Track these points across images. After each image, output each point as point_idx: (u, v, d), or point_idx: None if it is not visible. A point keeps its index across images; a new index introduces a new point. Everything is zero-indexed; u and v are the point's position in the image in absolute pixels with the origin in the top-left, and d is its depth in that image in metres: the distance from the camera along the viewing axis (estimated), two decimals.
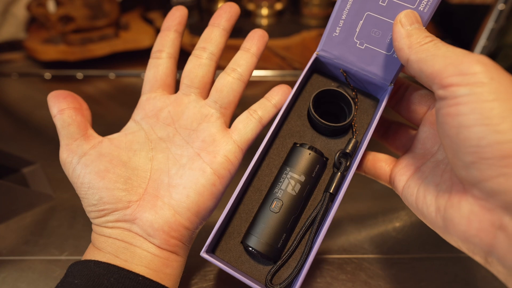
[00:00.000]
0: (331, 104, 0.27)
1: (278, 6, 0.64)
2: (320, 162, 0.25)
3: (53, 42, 0.57)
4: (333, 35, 0.25)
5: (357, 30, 0.24)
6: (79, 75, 0.57)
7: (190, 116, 0.27)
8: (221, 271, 0.34)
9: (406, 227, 0.38)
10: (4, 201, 0.36)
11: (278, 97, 0.27)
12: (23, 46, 0.58)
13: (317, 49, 0.26)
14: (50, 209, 0.39)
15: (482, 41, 0.53)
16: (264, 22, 0.65)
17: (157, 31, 0.60)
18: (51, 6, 0.55)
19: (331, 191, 0.24)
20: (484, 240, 0.17)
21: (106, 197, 0.24)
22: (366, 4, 0.23)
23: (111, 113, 0.50)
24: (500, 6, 0.49)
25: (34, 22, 0.61)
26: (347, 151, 0.25)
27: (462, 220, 0.18)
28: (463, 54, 0.18)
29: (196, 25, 0.62)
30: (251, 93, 0.54)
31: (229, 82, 0.27)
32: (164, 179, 0.25)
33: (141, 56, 0.58)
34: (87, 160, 0.24)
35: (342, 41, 0.25)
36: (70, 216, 0.38)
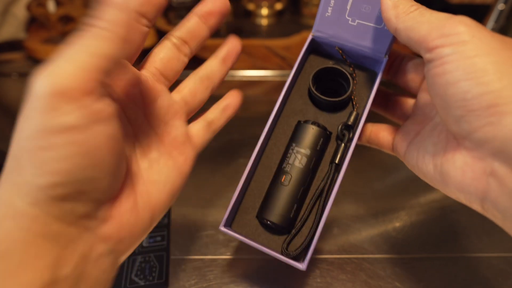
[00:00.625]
0: (330, 82, 0.28)
1: (278, 6, 0.64)
2: (323, 135, 0.26)
3: (53, 42, 0.57)
4: (326, 15, 0.26)
5: (348, 7, 0.26)
6: None
7: (164, 106, 0.24)
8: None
9: (406, 227, 0.38)
10: None
11: (227, 101, 0.28)
12: (23, 46, 0.58)
13: (312, 30, 0.27)
14: None
15: None
16: (264, 22, 0.65)
17: (157, 31, 0.59)
18: (51, 6, 0.55)
19: (336, 162, 0.26)
20: (478, 188, 0.18)
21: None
22: None
23: None
24: (500, 6, 0.49)
25: (34, 22, 0.61)
26: (349, 123, 0.26)
27: (457, 172, 0.19)
28: (445, 18, 0.19)
29: None
30: (251, 93, 0.54)
31: (202, 92, 0.26)
32: (134, 169, 0.22)
33: (141, 56, 0.58)
34: None
35: (335, 20, 0.26)
36: None
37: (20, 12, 0.60)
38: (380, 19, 0.25)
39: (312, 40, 0.27)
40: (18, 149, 0.17)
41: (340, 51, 0.27)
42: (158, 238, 0.35)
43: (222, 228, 0.24)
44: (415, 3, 0.22)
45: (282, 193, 0.25)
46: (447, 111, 0.19)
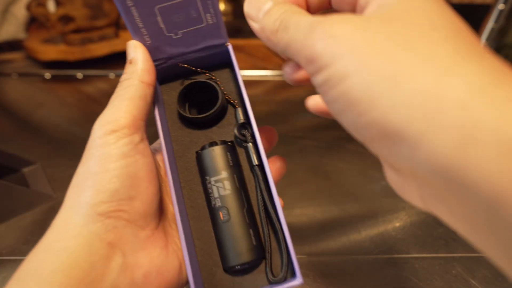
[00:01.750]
0: (198, 98, 0.27)
1: None
2: (228, 149, 0.24)
3: (53, 42, 0.57)
4: (148, 44, 0.24)
5: (162, 26, 0.24)
6: (79, 75, 0.57)
7: None
8: None
9: (406, 227, 0.38)
10: (4, 201, 0.36)
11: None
12: (23, 46, 0.58)
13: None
14: (50, 209, 0.39)
15: (482, 41, 0.53)
16: None
17: None
18: (51, 6, 0.55)
19: (256, 163, 0.24)
20: (418, 202, 0.16)
21: None
22: (147, 2, 0.22)
23: None
24: (500, 6, 0.49)
25: (34, 22, 0.61)
26: (241, 121, 0.25)
27: (397, 186, 0.17)
28: (306, 32, 0.16)
29: None
30: (251, 93, 0.54)
31: None
32: (168, 215, 0.24)
33: None
34: None
35: (160, 43, 0.24)
36: None
37: (20, 12, 0.60)
38: (197, 17, 0.23)
39: (156, 71, 0.25)
40: (80, 177, 0.21)
41: (186, 65, 0.26)
42: None
43: None
44: (278, 13, 0.18)
45: (230, 230, 0.23)
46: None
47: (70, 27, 0.54)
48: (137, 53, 0.23)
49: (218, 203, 0.23)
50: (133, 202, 0.20)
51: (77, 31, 0.55)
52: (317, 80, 0.15)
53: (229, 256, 0.22)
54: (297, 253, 0.31)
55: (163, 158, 0.23)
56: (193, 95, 0.27)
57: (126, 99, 0.21)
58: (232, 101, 0.26)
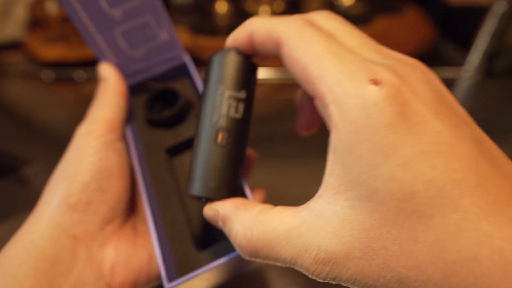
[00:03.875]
0: (163, 102, 0.28)
1: (278, 7, 0.64)
2: (254, 69, 0.20)
3: (53, 42, 0.57)
4: (115, 62, 0.27)
5: (123, 46, 0.27)
6: (79, 75, 0.57)
7: None
8: None
9: None
10: (4, 201, 0.36)
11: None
12: (23, 46, 0.58)
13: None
14: None
15: (481, 42, 0.53)
16: None
17: None
18: (51, 7, 0.55)
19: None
20: None
21: None
22: (107, 25, 0.25)
23: None
24: (500, 8, 0.49)
25: (34, 22, 0.61)
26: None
27: None
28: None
29: (196, 25, 0.62)
30: None
31: None
32: (138, 210, 0.27)
33: None
34: None
35: (125, 61, 0.27)
36: None
37: (20, 12, 0.60)
38: (154, 35, 0.27)
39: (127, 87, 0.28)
40: (57, 172, 0.22)
41: (152, 84, 0.28)
42: None
43: (169, 285, 0.20)
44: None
45: (223, 157, 0.18)
46: None
47: (70, 27, 0.54)
48: (107, 72, 0.26)
49: (222, 122, 0.18)
50: (103, 194, 0.22)
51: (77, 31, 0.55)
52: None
53: (207, 183, 0.18)
54: None
55: (131, 155, 0.25)
56: (158, 102, 0.28)
57: (103, 106, 0.24)
58: (192, 101, 0.28)
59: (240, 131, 0.19)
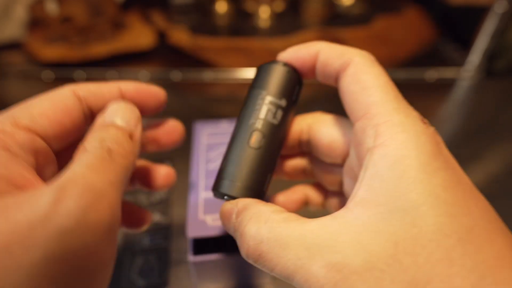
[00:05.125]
0: None
1: (278, 6, 0.64)
2: (298, 83, 0.20)
3: (53, 42, 0.57)
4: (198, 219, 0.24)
5: (203, 214, 0.24)
6: (79, 75, 0.57)
7: None
8: None
9: None
10: None
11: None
12: (23, 47, 0.58)
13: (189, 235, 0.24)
14: None
15: (481, 42, 0.53)
16: (264, 22, 0.65)
17: (158, 31, 0.59)
18: (51, 7, 0.55)
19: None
20: None
21: None
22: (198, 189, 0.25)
23: None
24: (500, 7, 0.49)
25: (34, 22, 0.61)
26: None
27: None
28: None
29: (196, 25, 0.62)
30: None
31: None
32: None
33: (141, 56, 0.58)
34: None
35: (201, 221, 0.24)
36: None
37: (20, 12, 0.60)
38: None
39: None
40: None
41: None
42: (159, 239, 0.35)
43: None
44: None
45: (251, 159, 0.18)
46: None
47: (70, 27, 0.54)
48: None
49: (258, 124, 0.19)
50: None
51: (77, 31, 0.55)
52: None
53: (235, 182, 0.18)
54: None
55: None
56: None
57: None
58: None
59: (275, 137, 0.19)
